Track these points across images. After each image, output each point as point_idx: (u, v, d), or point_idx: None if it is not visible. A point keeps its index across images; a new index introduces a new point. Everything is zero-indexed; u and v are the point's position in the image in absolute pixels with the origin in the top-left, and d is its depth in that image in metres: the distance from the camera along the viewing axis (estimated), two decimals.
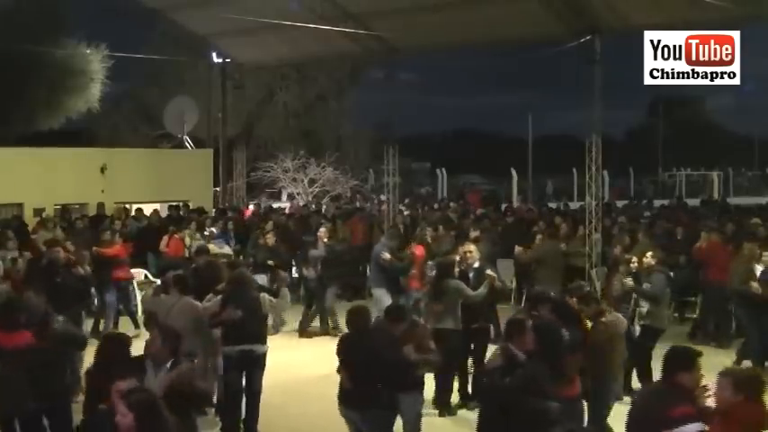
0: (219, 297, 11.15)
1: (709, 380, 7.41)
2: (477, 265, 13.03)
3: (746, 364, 13.79)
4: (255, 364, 10.98)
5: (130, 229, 22.57)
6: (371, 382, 9.19)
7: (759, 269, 14.60)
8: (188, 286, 11.61)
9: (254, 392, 10.98)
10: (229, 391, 10.98)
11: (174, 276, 11.87)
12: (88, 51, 31.54)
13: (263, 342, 11.10)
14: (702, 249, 17.44)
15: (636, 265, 13.51)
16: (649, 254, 13.91)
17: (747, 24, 19.44)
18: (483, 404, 8.85)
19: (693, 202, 35.80)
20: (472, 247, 13.45)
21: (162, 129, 34.29)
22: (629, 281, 13.15)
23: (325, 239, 18.24)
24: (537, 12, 21.37)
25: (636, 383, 12.86)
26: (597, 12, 21.13)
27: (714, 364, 7.85)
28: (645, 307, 13.04)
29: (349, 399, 9.33)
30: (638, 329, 12.91)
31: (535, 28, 22.23)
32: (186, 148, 31.70)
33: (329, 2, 23.92)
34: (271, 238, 19.11)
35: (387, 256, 16.35)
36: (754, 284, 14.22)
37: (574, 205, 32.71)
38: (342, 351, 9.55)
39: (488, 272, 12.94)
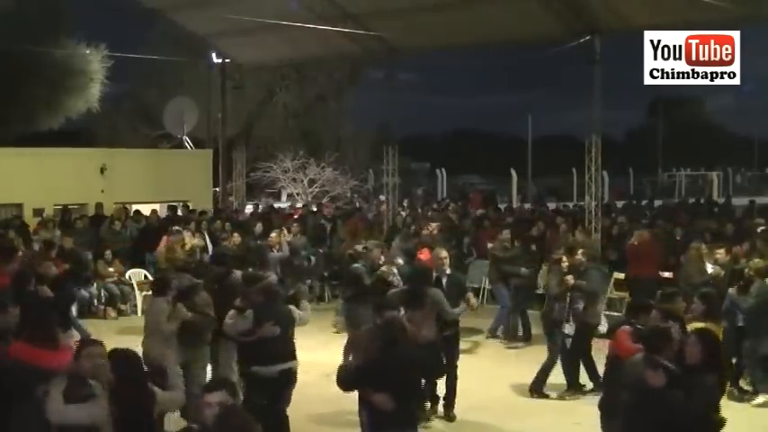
0: (249, 312, 10.22)
1: None
2: (449, 271, 12.88)
3: None
4: (292, 382, 10.34)
5: (129, 229, 22.58)
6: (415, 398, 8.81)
7: (710, 268, 14.72)
8: (166, 287, 11.21)
9: (283, 409, 10.31)
10: (270, 418, 9.42)
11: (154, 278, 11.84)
12: (88, 51, 31.52)
13: (296, 357, 10.46)
14: (634, 246, 18.07)
15: (566, 264, 13.57)
16: (581, 251, 14.03)
17: (747, 24, 19.41)
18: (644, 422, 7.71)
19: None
20: (444, 253, 13.43)
21: (161, 129, 34.28)
22: (570, 278, 13.15)
23: (281, 241, 18.23)
24: (536, 12, 21.37)
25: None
26: (597, 12, 21.14)
27: None
28: (580, 304, 13.11)
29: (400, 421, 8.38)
30: (571, 327, 13.00)
31: (535, 28, 22.24)
32: (186, 148, 31.69)
33: (329, 2, 23.92)
34: (236, 239, 19.18)
35: (399, 261, 15.73)
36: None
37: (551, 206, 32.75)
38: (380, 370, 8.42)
39: (469, 296, 12.94)
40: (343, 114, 45.65)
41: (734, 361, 13.18)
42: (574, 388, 13.11)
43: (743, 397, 12.94)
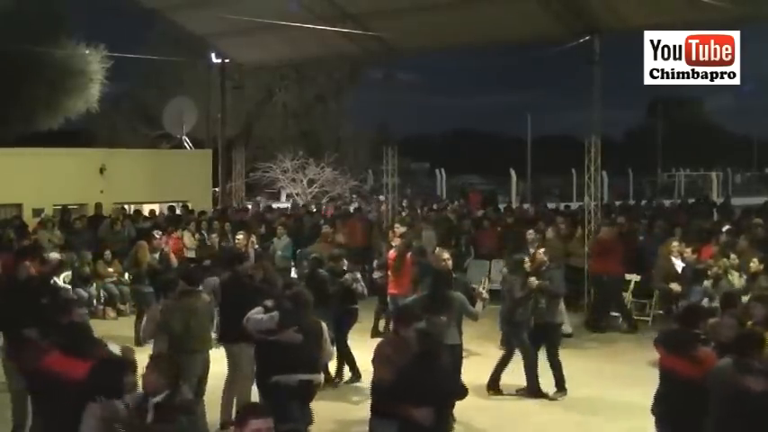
0: (276, 313, 9.91)
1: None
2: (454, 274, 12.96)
3: None
4: (311, 395, 9.91)
5: (127, 230, 22.56)
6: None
7: (679, 264, 14.82)
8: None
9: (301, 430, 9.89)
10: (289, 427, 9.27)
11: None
12: (87, 52, 31.52)
13: (320, 371, 10.21)
14: (600, 242, 18.46)
15: (528, 264, 13.66)
16: (541, 251, 14.09)
17: (747, 24, 19.41)
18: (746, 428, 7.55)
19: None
20: (447, 255, 13.39)
21: (161, 129, 34.30)
22: (534, 280, 13.24)
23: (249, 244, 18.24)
24: (536, 12, 21.35)
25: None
26: (596, 12, 21.11)
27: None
28: (543, 304, 13.26)
29: None
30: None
31: (534, 28, 22.22)
32: (185, 148, 31.70)
33: (328, 2, 23.90)
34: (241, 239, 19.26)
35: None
36: (674, 286, 14.64)
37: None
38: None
39: (480, 289, 12.93)
40: (342, 114, 45.67)
41: None
42: (562, 389, 13.19)
43: None
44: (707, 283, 13.27)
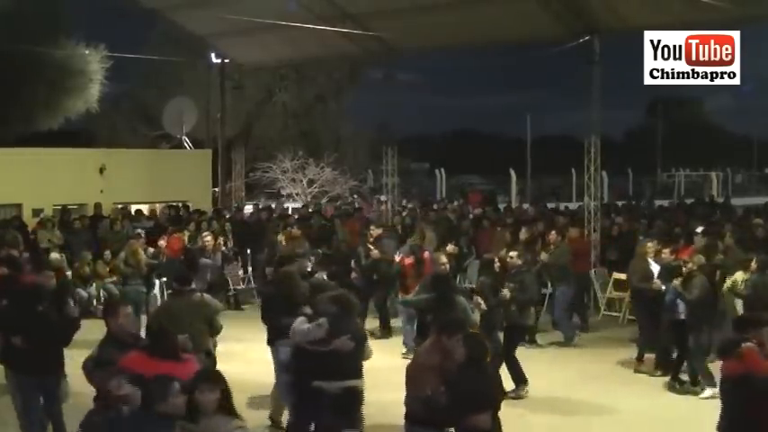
0: (324, 320, 9.47)
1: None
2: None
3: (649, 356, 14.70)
4: (358, 402, 9.47)
5: (126, 229, 22.55)
6: None
7: (655, 266, 14.88)
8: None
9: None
10: None
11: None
12: (87, 52, 31.50)
13: (362, 376, 9.75)
14: (569, 242, 18.44)
15: (498, 265, 13.65)
16: (513, 253, 14.09)
17: (747, 24, 19.42)
18: None
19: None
20: (444, 258, 13.35)
21: (161, 129, 34.28)
22: (506, 292, 13.18)
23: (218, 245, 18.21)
24: (536, 12, 21.37)
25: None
26: (596, 12, 21.13)
27: None
28: (514, 308, 13.28)
29: None
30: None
31: (534, 28, 22.24)
32: (185, 148, 31.70)
33: (328, 2, 23.92)
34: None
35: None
36: (657, 282, 14.56)
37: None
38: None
39: (477, 299, 12.92)
40: (342, 115, 45.62)
41: (675, 355, 13.84)
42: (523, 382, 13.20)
43: (686, 389, 13.35)
44: (676, 282, 13.33)
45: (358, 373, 9.55)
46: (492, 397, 8.17)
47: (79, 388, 9.50)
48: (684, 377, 13.64)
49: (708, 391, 12.88)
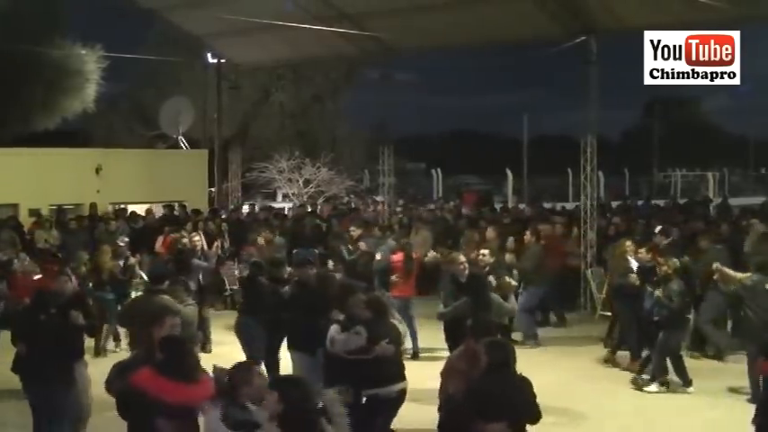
0: (361, 327, 9.27)
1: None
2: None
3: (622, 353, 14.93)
4: (402, 402, 9.46)
5: (122, 230, 22.51)
6: None
7: (634, 263, 14.97)
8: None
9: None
10: None
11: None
12: (84, 52, 31.49)
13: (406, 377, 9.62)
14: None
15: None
16: (486, 252, 14.06)
17: (744, 24, 19.42)
18: None
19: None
20: (463, 258, 13.28)
21: (157, 129, 34.26)
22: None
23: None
24: (532, 12, 21.39)
25: None
26: (593, 12, 21.15)
27: None
28: None
29: None
30: None
31: (530, 28, 22.26)
32: (181, 148, 31.69)
33: (325, 2, 23.92)
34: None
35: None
36: (633, 276, 14.65)
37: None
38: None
39: (507, 278, 12.84)
40: (339, 115, 45.61)
41: (645, 354, 13.93)
42: None
43: (674, 389, 13.38)
44: (658, 292, 13.35)
45: (404, 374, 9.44)
46: (513, 408, 7.55)
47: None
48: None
49: (653, 387, 13.15)
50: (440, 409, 8.33)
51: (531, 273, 17.02)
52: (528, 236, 17.91)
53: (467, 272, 12.48)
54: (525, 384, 7.72)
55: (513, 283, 12.66)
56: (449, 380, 8.30)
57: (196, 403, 6.85)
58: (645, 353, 14.10)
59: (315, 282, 11.46)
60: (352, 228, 20.07)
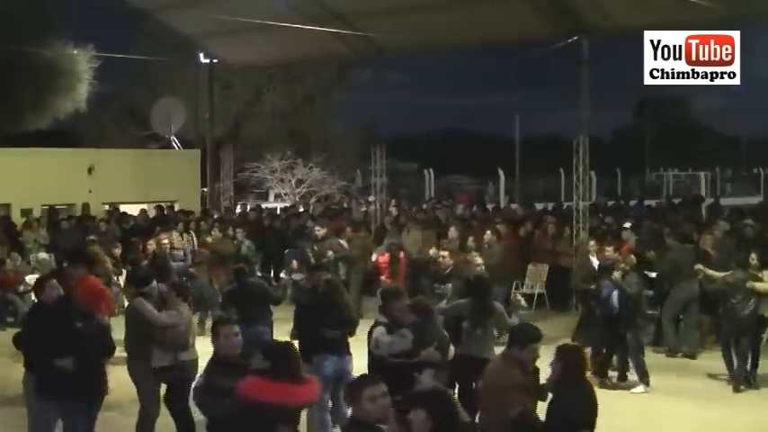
0: (407, 330, 9.08)
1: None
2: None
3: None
4: None
5: (113, 230, 22.49)
6: None
7: (595, 262, 15.11)
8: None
9: None
10: None
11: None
12: (75, 52, 31.37)
13: None
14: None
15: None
16: (445, 253, 14.27)
17: (739, 25, 19.44)
18: None
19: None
20: (479, 260, 13.26)
21: (149, 129, 34.25)
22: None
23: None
24: (524, 12, 21.40)
25: None
26: (584, 12, 21.16)
27: None
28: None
29: None
30: None
31: (522, 29, 22.28)
32: (174, 148, 31.66)
33: (317, 2, 23.90)
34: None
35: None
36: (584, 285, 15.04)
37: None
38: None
39: (518, 298, 12.88)
40: (330, 114, 45.59)
41: (604, 350, 13.92)
42: None
43: (617, 384, 13.51)
44: (616, 274, 13.47)
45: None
46: (582, 418, 7.34)
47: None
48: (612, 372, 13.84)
49: (641, 388, 13.21)
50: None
51: (494, 271, 17.00)
52: (488, 235, 17.88)
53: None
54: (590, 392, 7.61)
55: (524, 303, 12.57)
56: (508, 398, 7.64)
57: (309, 402, 6.77)
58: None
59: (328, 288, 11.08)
60: (317, 228, 20.03)
